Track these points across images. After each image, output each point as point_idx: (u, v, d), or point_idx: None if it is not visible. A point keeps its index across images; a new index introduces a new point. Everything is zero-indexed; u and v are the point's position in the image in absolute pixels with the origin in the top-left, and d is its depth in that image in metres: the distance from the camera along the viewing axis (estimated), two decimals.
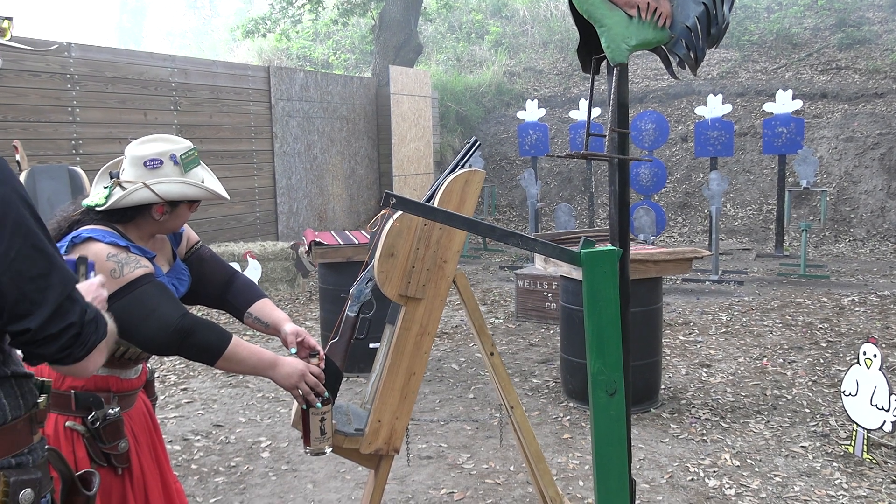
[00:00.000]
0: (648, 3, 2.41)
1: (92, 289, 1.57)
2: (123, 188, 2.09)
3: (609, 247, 2.20)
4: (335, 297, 5.37)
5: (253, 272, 7.48)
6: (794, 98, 10.48)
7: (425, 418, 4.53)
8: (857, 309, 6.85)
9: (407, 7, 12.29)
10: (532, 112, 10.89)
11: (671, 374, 5.27)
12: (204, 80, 8.88)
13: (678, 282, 8.33)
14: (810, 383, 4.96)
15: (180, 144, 2.21)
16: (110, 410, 2.06)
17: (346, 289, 4.76)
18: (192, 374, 5.51)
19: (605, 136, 2.58)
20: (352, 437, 2.46)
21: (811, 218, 10.63)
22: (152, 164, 2.12)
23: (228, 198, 2.42)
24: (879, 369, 3.72)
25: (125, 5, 39.74)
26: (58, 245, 1.97)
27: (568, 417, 4.53)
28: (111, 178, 2.14)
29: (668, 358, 5.62)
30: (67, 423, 2.02)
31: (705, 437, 4.15)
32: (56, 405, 2.01)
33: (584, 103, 10.59)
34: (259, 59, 17.82)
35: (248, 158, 9.54)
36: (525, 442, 2.65)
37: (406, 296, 2.44)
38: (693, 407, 4.64)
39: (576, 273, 4.44)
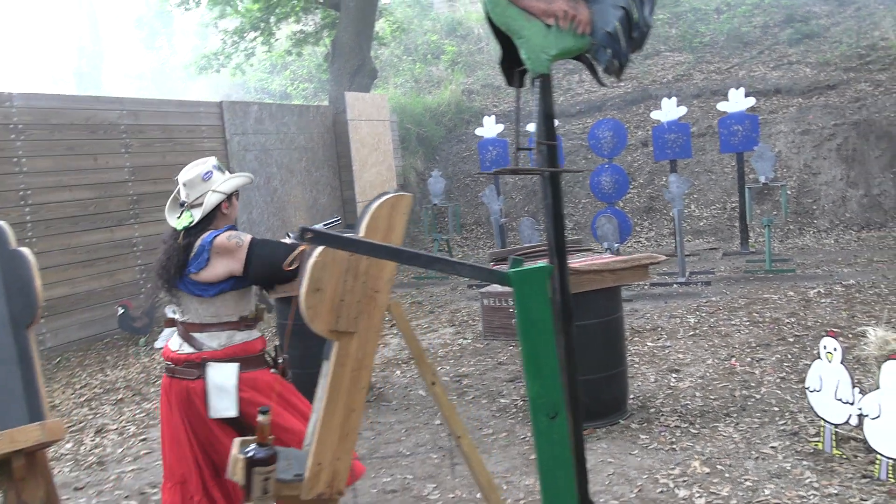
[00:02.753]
0: (566, 11, 2.35)
1: None
2: (197, 205, 3.00)
3: (540, 264, 2.13)
4: (294, 334, 5.25)
5: None
6: (747, 95, 10.57)
7: (389, 451, 4.43)
8: (823, 301, 6.85)
9: (359, 33, 12.27)
10: (490, 128, 10.87)
11: (640, 383, 5.20)
12: (155, 119, 8.75)
13: (646, 287, 8.30)
14: (779, 380, 4.91)
15: (211, 159, 3.14)
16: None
17: (300, 322, 4.60)
18: (151, 422, 5.36)
19: (532, 149, 2.52)
20: (291, 483, 2.35)
21: (774, 213, 10.67)
22: (207, 175, 3.04)
23: (254, 178, 3.66)
24: (841, 362, 3.68)
25: (83, 50, 39.49)
26: (198, 256, 2.95)
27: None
28: (181, 206, 3.05)
29: (636, 366, 5.56)
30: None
31: (675, 446, 4.08)
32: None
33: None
34: (217, 94, 17.72)
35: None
36: (475, 473, 2.55)
37: (337, 331, 2.34)
38: (662, 415, 4.57)
39: None
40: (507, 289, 6.14)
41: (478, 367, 5.96)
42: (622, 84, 14.32)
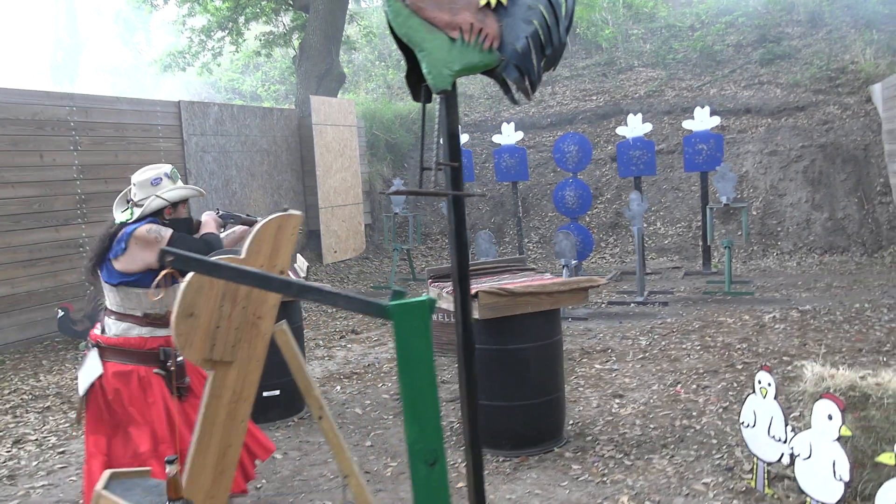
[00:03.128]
0: (472, 24, 2.19)
1: None
2: (139, 205, 3.21)
3: (424, 296, 1.96)
4: None
5: None
6: (718, 114, 10.53)
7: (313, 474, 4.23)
8: (777, 326, 6.74)
9: (327, 37, 12.08)
10: None
11: (581, 407, 5.06)
12: (107, 117, 8.51)
13: (603, 305, 8.17)
14: (721, 411, 4.78)
15: (166, 166, 3.35)
16: (179, 358, 3.16)
17: None
18: (74, 434, 5.12)
19: (440, 168, 2.36)
20: None
21: (739, 233, 10.61)
22: (156, 181, 3.25)
23: (205, 194, 3.73)
24: (774, 398, 3.54)
25: (59, 43, 38.87)
26: (118, 243, 3.13)
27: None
28: (128, 202, 3.26)
29: (580, 389, 5.42)
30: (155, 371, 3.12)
31: (606, 478, 3.92)
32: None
33: (506, 127, 10.45)
34: (187, 93, 17.47)
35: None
36: None
37: (212, 360, 2.16)
38: (599, 443, 4.42)
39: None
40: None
41: None
42: (594, 97, 14.26)
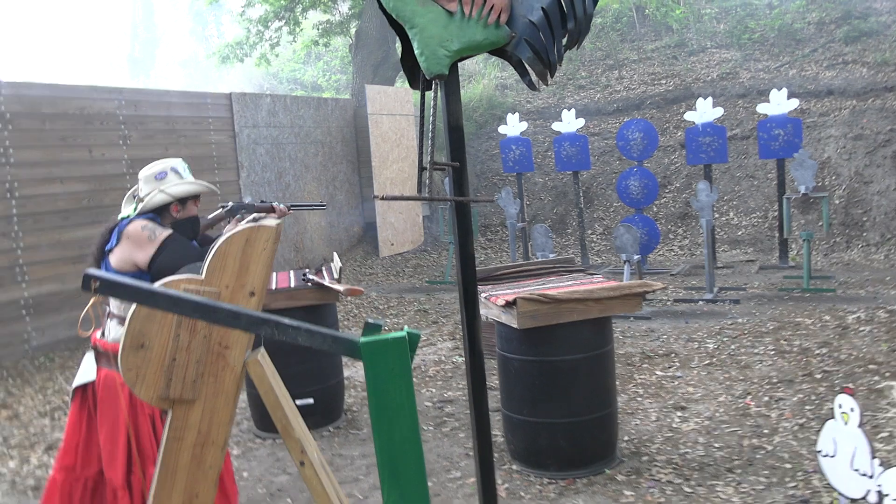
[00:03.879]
0: None
1: None
2: (143, 200, 2.97)
3: (406, 330, 1.59)
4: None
5: None
6: (797, 96, 9.78)
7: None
8: (862, 329, 6.12)
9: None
10: (514, 126, 10.28)
11: (639, 421, 4.61)
12: (156, 111, 8.40)
13: (669, 303, 7.64)
14: (796, 428, 4.27)
15: (176, 160, 3.10)
16: None
17: (268, 341, 4.24)
18: None
19: (444, 168, 1.99)
20: None
21: (819, 224, 9.86)
22: (160, 175, 3.01)
23: (217, 190, 3.47)
24: (859, 426, 3.05)
25: (136, 37, 39.82)
26: (110, 240, 2.96)
27: (506, 485, 3.89)
28: (134, 199, 3.05)
29: (638, 399, 4.97)
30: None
31: None
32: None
33: (567, 114, 9.95)
34: (250, 84, 17.48)
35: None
36: None
37: (168, 398, 1.84)
38: (655, 465, 3.98)
39: (504, 317, 3.82)
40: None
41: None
42: (663, 81, 13.57)
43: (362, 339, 1.53)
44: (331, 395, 4.94)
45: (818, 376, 5.08)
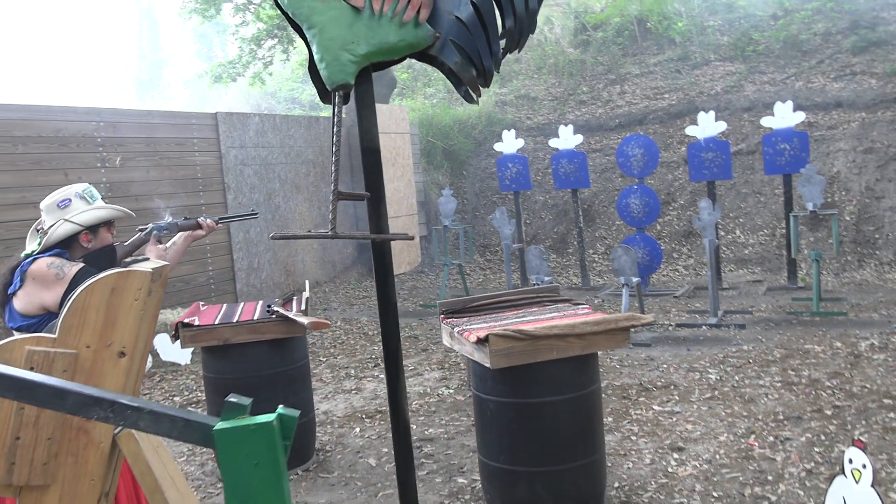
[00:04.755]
0: None
1: None
2: (48, 233, 2.66)
3: (279, 411, 1.24)
4: (221, 387, 4.45)
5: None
6: (802, 109, 9.40)
7: None
8: (876, 357, 5.72)
9: None
10: (510, 143, 9.96)
11: (632, 463, 4.23)
12: (137, 132, 8.12)
13: (670, 328, 7.25)
14: (804, 474, 3.88)
15: (79, 185, 2.83)
16: None
17: (232, 376, 3.92)
18: None
19: (362, 197, 1.64)
20: None
21: (829, 242, 9.46)
22: (63, 203, 2.73)
23: (133, 214, 3.11)
24: (872, 486, 2.66)
25: (143, 59, 39.89)
26: (13, 281, 2.59)
27: None
28: (38, 232, 2.74)
29: (633, 439, 4.58)
30: None
31: None
32: None
33: (564, 130, 9.62)
34: (247, 104, 17.26)
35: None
36: None
37: (11, 485, 1.50)
38: None
39: (477, 354, 3.46)
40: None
41: (448, 429, 5.05)
42: (666, 95, 13.24)
43: (218, 425, 1.19)
44: (301, 433, 4.57)
45: (828, 412, 4.69)
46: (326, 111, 16.21)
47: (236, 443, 1.16)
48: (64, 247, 2.70)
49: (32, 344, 1.47)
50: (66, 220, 2.69)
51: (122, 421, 1.21)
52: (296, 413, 1.23)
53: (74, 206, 2.74)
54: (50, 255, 2.62)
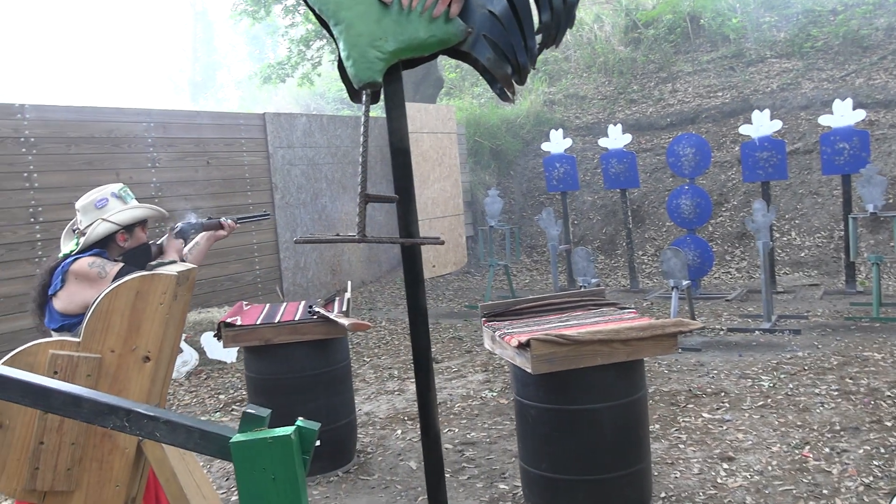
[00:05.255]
0: None
1: None
2: (84, 233, 2.70)
3: (298, 424, 1.19)
4: (262, 388, 4.46)
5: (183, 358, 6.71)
6: (863, 107, 9.09)
7: None
8: None
9: None
10: (558, 143, 9.83)
11: (679, 473, 4.10)
12: (187, 132, 8.23)
13: (721, 332, 7.06)
14: (862, 489, 3.70)
15: (115, 185, 2.86)
16: None
17: (273, 377, 3.94)
18: None
19: (393, 199, 1.59)
20: None
21: (891, 245, 9.11)
22: (101, 203, 2.75)
23: (167, 214, 3.11)
24: None
25: (196, 61, 40.69)
26: (53, 281, 2.62)
27: None
28: (74, 233, 2.77)
29: (681, 447, 4.45)
30: None
31: None
32: None
33: (613, 129, 9.46)
34: (297, 105, 17.43)
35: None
36: None
37: (35, 490, 1.48)
38: None
39: (519, 359, 3.38)
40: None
41: (490, 433, 4.98)
42: (719, 93, 12.93)
43: (234, 438, 1.14)
44: (341, 435, 4.56)
45: (888, 423, 4.48)
46: (374, 111, 16.28)
47: (253, 456, 1.12)
48: (102, 246, 2.72)
49: (56, 348, 1.45)
50: (103, 219, 2.70)
51: (138, 430, 1.17)
52: (316, 426, 1.18)
53: (111, 205, 2.76)
54: (90, 255, 2.63)
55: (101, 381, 1.47)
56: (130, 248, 2.75)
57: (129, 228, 2.77)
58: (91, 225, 2.69)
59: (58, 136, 7.07)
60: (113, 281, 2.56)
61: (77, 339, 1.48)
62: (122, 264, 2.63)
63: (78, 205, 2.80)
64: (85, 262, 2.61)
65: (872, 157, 9.35)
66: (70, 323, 2.60)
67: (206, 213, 8.08)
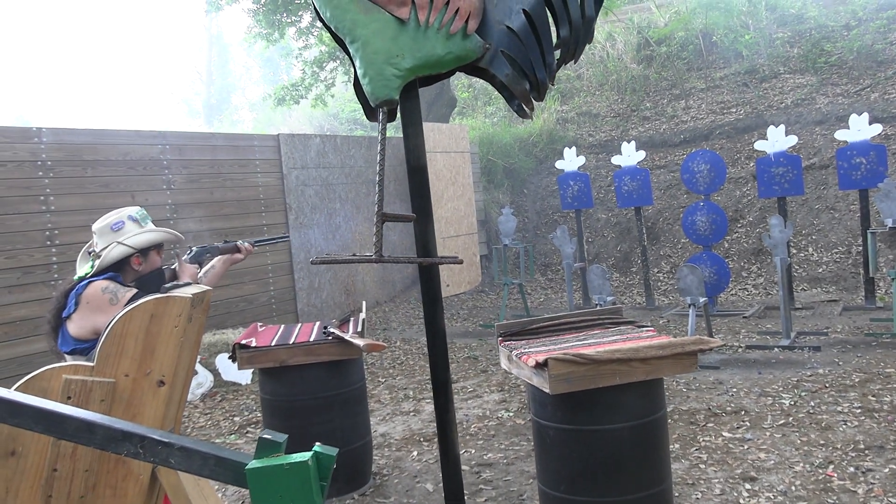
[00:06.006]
0: None
1: None
2: (99, 256, 2.68)
3: (315, 449, 1.16)
4: (277, 409, 4.43)
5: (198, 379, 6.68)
6: (879, 121, 9.03)
7: None
8: None
9: None
10: (571, 161, 9.81)
11: (700, 494, 4.03)
12: (201, 154, 8.28)
13: (740, 350, 6.97)
14: None
15: (132, 208, 2.87)
16: None
17: (288, 399, 3.92)
18: None
19: (410, 218, 1.56)
20: None
21: None
22: (117, 226, 2.75)
23: (182, 237, 3.16)
24: None
25: (212, 84, 41.12)
26: (67, 303, 2.60)
27: None
28: (90, 255, 2.77)
29: (701, 467, 4.37)
30: None
31: None
32: None
33: (626, 146, 9.43)
34: (310, 126, 17.52)
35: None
36: None
37: None
38: None
39: (536, 379, 3.34)
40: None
41: (507, 454, 4.92)
42: (733, 110, 12.88)
43: (251, 464, 1.11)
44: (357, 457, 4.52)
45: None
46: (389, 130, 16.34)
47: (270, 483, 1.09)
48: (116, 269, 2.71)
49: (70, 373, 1.43)
50: (119, 242, 2.69)
51: (153, 457, 1.15)
52: (334, 451, 1.15)
53: (127, 228, 2.76)
54: (103, 279, 2.62)
55: (115, 407, 1.45)
56: (145, 272, 2.74)
57: (144, 252, 2.76)
58: (107, 248, 2.69)
59: (74, 159, 7.13)
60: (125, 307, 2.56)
61: (91, 364, 1.47)
62: (135, 290, 2.62)
63: (95, 227, 2.80)
64: (98, 287, 2.60)
65: (890, 171, 9.27)
66: (82, 347, 2.59)
67: (221, 234, 8.11)
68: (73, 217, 7.08)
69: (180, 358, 1.53)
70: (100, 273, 2.65)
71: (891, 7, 13.07)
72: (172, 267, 3.05)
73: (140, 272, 2.76)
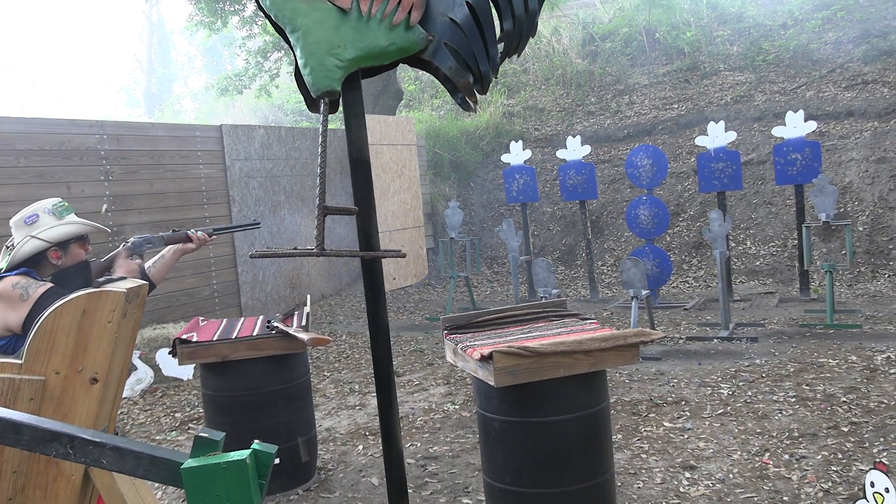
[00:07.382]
0: None
1: None
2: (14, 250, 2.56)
3: (254, 447, 1.13)
4: (219, 405, 4.36)
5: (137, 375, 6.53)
6: (814, 118, 9.29)
7: None
8: (892, 371, 5.57)
9: None
10: (517, 154, 9.87)
11: (642, 483, 4.10)
12: (141, 144, 8.07)
13: (681, 341, 7.12)
14: (821, 494, 3.74)
15: (50, 200, 2.76)
16: None
17: (230, 394, 3.82)
18: None
19: (351, 211, 1.55)
20: None
21: (843, 253, 9.31)
22: (31, 219, 2.65)
23: (107, 230, 3.07)
24: None
25: (152, 73, 40.12)
26: None
27: None
28: (7, 249, 2.64)
29: (643, 457, 4.45)
30: None
31: None
32: None
33: (572, 140, 9.53)
34: (255, 117, 17.25)
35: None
36: None
37: None
38: None
39: (481, 372, 3.35)
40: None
41: (453, 447, 4.93)
42: (675, 105, 13.13)
43: (186, 463, 1.08)
44: (299, 453, 4.47)
45: (845, 429, 4.55)
46: (332, 122, 16.18)
47: (206, 482, 1.06)
48: (32, 265, 2.59)
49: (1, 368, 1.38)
50: (32, 236, 2.58)
51: (84, 458, 1.11)
52: (273, 448, 1.13)
53: (42, 221, 2.65)
54: (17, 274, 2.52)
55: (44, 405, 1.40)
56: (66, 266, 2.63)
57: (62, 245, 2.65)
58: (20, 242, 2.59)
59: (6, 148, 6.88)
60: (37, 303, 2.45)
61: (19, 361, 1.41)
62: (49, 286, 2.50)
63: (11, 221, 2.71)
64: (9, 283, 2.48)
65: (824, 167, 9.56)
66: None
67: (162, 227, 7.92)
68: (4, 208, 6.81)
69: (114, 354, 1.48)
70: (13, 268, 2.54)
71: (825, 7, 13.47)
72: (105, 259, 2.96)
73: (60, 266, 2.66)
